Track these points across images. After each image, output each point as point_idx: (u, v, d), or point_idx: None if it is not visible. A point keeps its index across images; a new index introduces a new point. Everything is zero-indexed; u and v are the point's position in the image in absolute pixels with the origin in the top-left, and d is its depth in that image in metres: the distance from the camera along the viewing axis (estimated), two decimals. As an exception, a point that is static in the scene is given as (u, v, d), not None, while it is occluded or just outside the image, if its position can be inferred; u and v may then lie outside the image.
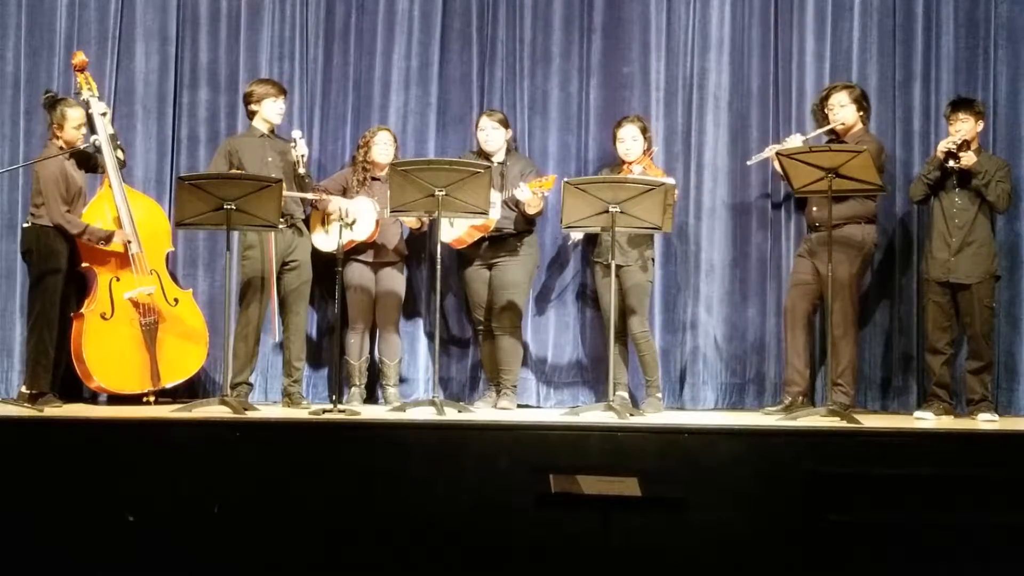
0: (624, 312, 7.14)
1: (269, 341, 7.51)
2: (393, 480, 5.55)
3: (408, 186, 6.57)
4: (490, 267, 7.26)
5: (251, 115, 7.23)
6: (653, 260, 7.30)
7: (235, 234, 6.95)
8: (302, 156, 7.01)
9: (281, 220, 6.92)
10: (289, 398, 7.14)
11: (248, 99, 7.23)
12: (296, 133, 7.08)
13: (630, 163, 7.17)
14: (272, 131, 7.23)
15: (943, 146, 6.92)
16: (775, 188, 7.56)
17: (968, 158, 6.86)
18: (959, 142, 6.86)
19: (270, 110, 7.18)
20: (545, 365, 7.71)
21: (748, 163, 7.36)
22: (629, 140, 7.20)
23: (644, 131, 7.25)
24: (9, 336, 7.57)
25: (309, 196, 7.12)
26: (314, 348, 7.54)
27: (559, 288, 7.75)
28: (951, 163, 6.90)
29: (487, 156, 7.26)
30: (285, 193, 6.91)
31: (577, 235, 7.25)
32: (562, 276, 7.75)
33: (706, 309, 7.66)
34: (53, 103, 6.93)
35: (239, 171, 6.98)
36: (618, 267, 7.01)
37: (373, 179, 7.34)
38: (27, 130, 7.63)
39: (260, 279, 7.03)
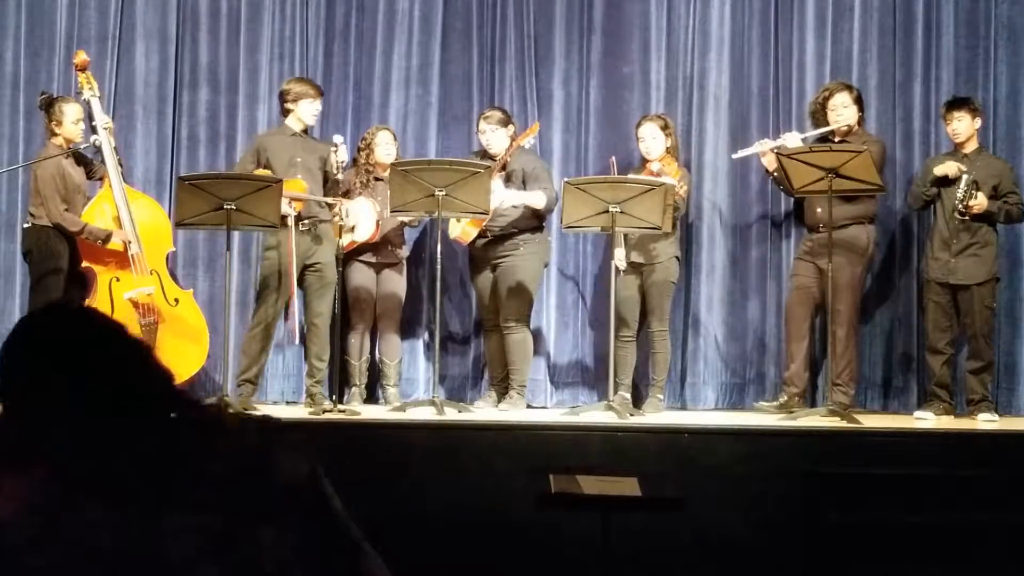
0: (644, 310, 7.15)
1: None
2: (393, 480, 5.55)
3: (408, 186, 6.56)
4: (495, 267, 7.23)
5: (285, 112, 7.16)
6: (679, 259, 7.25)
7: (235, 234, 6.94)
8: (342, 162, 6.90)
9: (304, 222, 6.93)
10: (312, 399, 7.09)
11: (284, 97, 7.15)
12: (338, 138, 6.95)
13: (650, 161, 7.17)
14: (305, 130, 7.21)
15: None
16: (775, 188, 7.55)
17: (980, 203, 6.81)
18: (962, 198, 6.77)
19: (306, 111, 7.12)
20: (546, 365, 7.71)
21: (734, 156, 7.30)
22: (648, 139, 7.17)
23: (664, 128, 7.20)
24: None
25: (329, 200, 7.06)
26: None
27: (559, 288, 7.75)
28: (963, 214, 6.83)
29: (492, 157, 7.24)
30: (307, 196, 6.91)
31: (621, 263, 7.04)
32: (563, 276, 7.76)
33: (706, 309, 7.66)
34: (50, 102, 6.93)
35: (265, 170, 6.94)
36: (642, 265, 7.04)
37: (376, 179, 7.33)
38: (27, 130, 7.63)
39: (278, 279, 7.00)
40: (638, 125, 7.27)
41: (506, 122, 7.26)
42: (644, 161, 7.23)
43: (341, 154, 6.89)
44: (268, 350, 7.16)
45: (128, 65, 7.75)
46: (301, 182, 6.96)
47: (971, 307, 6.92)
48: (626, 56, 7.79)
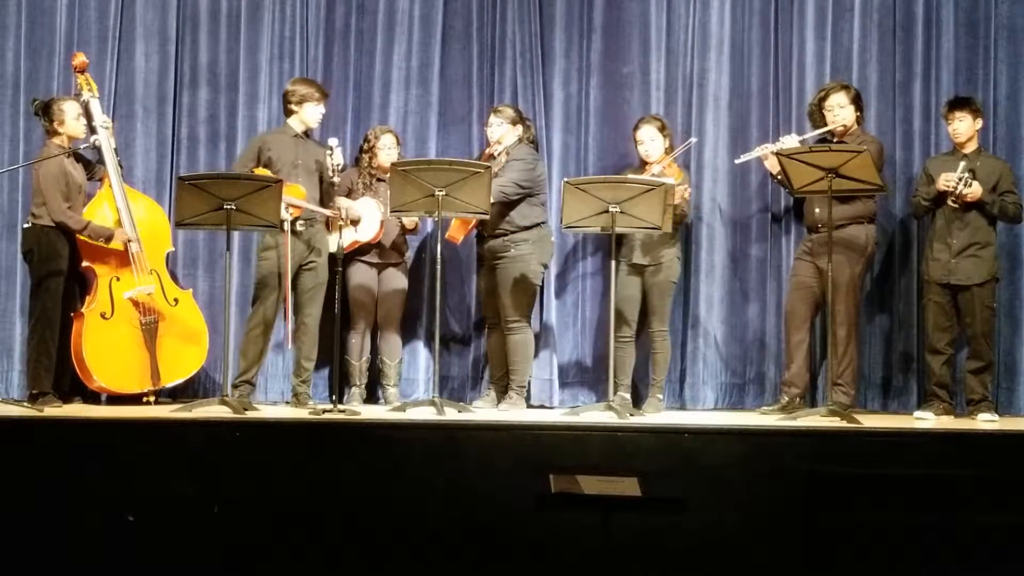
0: (645, 310, 7.15)
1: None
2: (393, 480, 5.55)
3: (408, 186, 6.56)
4: (494, 266, 7.23)
5: (288, 113, 7.16)
6: (679, 259, 7.27)
7: (235, 234, 6.94)
8: (337, 165, 6.86)
9: (302, 222, 6.93)
10: (296, 398, 7.13)
11: (288, 98, 7.15)
12: (333, 141, 6.92)
13: (650, 164, 7.17)
14: (307, 133, 7.20)
15: (942, 184, 6.87)
16: (774, 188, 7.55)
17: (974, 192, 6.82)
18: (959, 180, 6.79)
19: (311, 114, 7.12)
20: (551, 365, 7.69)
21: (736, 161, 7.33)
22: (648, 141, 7.19)
23: (663, 129, 7.23)
24: (9, 336, 7.58)
25: (327, 212, 7.05)
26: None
27: (560, 288, 7.75)
28: (955, 201, 6.84)
29: (493, 154, 7.23)
30: (306, 205, 6.91)
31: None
32: (563, 276, 7.75)
33: (706, 309, 7.66)
34: (46, 105, 6.93)
35: (265, 169, 6.96)
36: (643, 266, 7.06)
37: (379, 180, 7.33)
38: (27, 130, 7.63)
39: (276, 279, 7.00)
40: (636, 128, 7.28)
41: (516, 121, 7.25)
42: (643, 163, 7.23)
43: (337, 158, 6.87)
44: (266, 351, 7.16)
45: (128, 65, 7.75)
46: (300, 188, 6.96)
47: (971, 307, 6.92)
48: (626, 56, 7.79)
